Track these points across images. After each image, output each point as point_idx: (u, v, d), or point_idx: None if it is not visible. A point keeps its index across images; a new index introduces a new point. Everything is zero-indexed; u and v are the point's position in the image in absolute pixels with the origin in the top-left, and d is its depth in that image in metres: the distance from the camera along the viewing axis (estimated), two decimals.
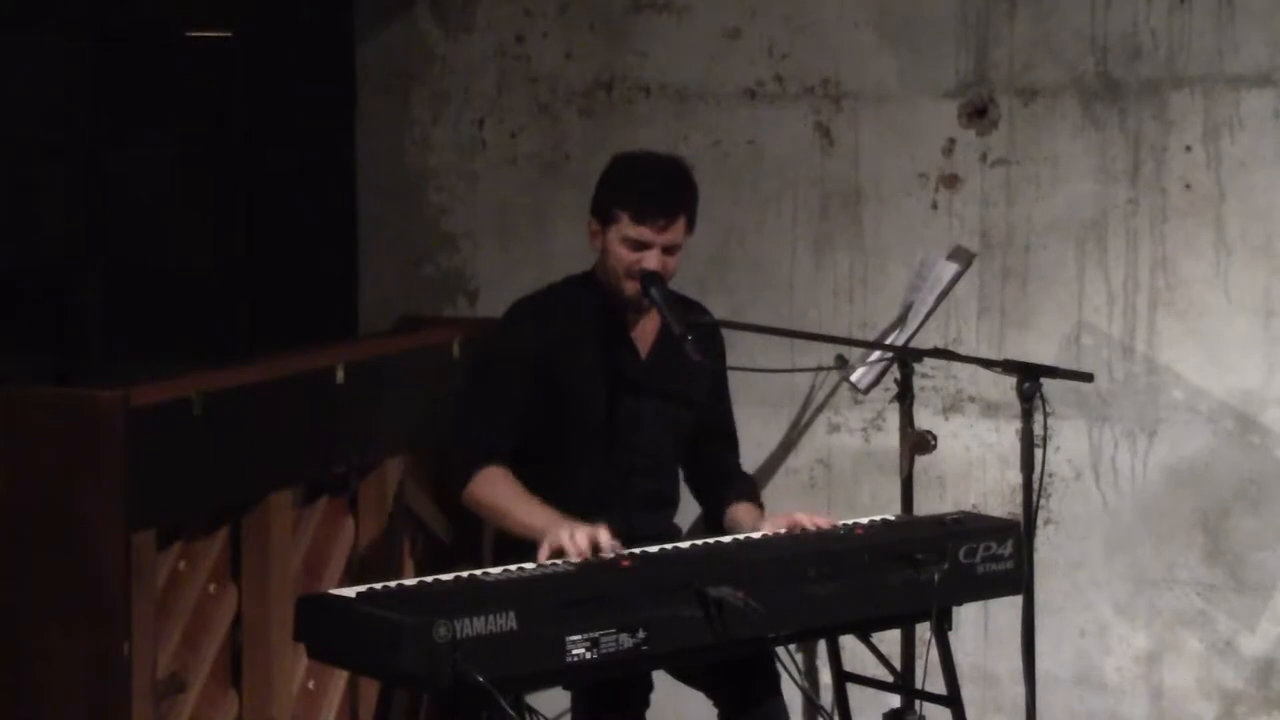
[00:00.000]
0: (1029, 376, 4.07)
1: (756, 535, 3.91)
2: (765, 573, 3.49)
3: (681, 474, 4.30)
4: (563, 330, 4.07)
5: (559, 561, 3.55)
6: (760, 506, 4.17)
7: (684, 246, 4.04)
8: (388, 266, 5.35)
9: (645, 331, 4.13)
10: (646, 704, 3.97)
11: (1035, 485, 4.05)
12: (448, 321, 5.12)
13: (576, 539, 3.62)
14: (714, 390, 4.28)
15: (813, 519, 3.89)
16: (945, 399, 4.85)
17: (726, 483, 4.23)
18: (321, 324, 5.46)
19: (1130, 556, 4.73)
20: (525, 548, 3.77)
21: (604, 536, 3.65)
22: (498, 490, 3.95)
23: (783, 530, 3.89)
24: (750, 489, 4.25)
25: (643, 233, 3.97)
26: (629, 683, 3.85)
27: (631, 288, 4.00)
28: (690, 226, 4.05)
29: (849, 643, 4.22)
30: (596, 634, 3.24)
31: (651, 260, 3.97)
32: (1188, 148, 4.63)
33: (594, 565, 3.51)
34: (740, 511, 4.12)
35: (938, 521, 3.90)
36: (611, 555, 3.61)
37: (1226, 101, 4.58)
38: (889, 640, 4.22)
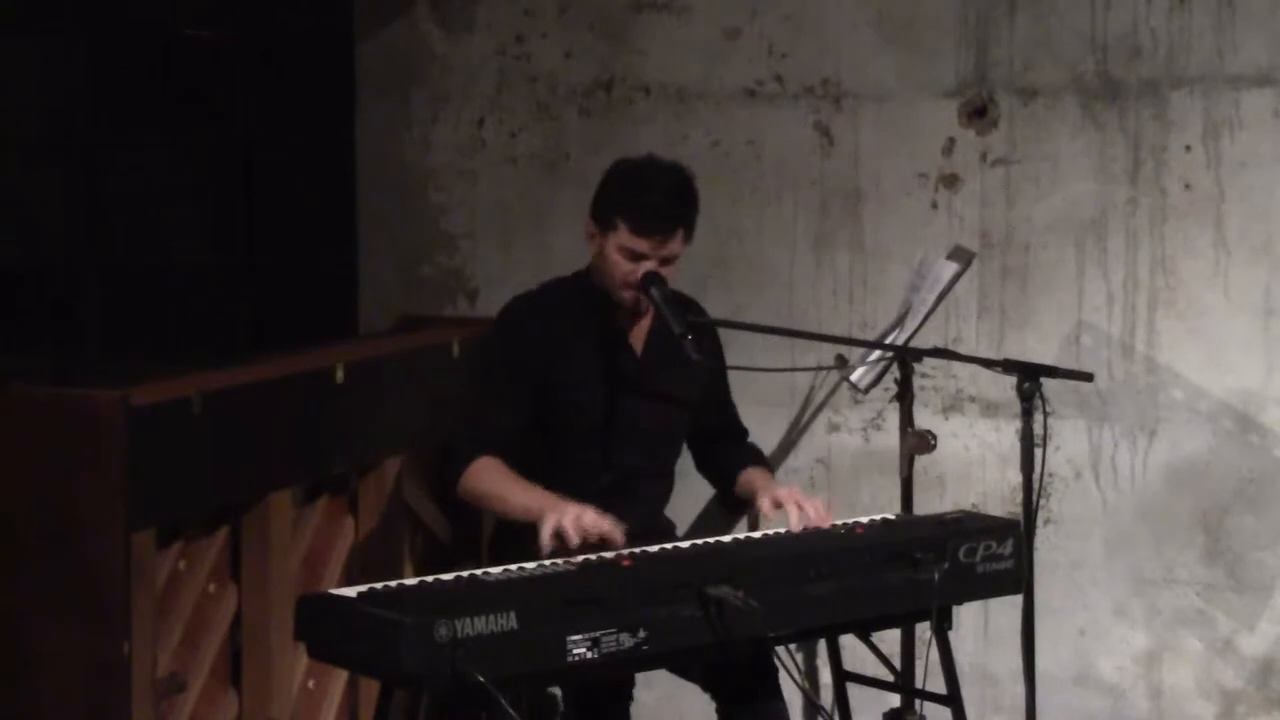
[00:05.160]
0: (1029, 376, 4.07)
1: (756, 535, 3.92)
2: (765, 573, 3.50)
3: (696, 467, 4.40)
4: (558, 329, 4.09)
5: (559, 561, 3.55)
6: (770, 471, 4.30)
7: (681, 254, 4.08)
8: (388, 266, 5.35)
9: (640, 330, 4.16)
10: (630, 698, 4.07)
11: (1035, 485, 4.05)
12: (448, 321, 5.12)
13: (582, 520, 3.70)
14: (716, 389, 4.31)
15: (811, 502, 3.95)
16: (945, 399, 4.85)
17: (739, 467, 4.30)
18: (321, 324, 5.46)
19: (1130, 556, 4.73)
20: (524, 544, 3.79)
21: (605, 522, 3.73)
22: (493, 478, 3.97)
23: (778, 505, 3.99)
24: (760, 458, 4.36)
25: (639, 244, 3.99)
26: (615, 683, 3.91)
27: (629, 297, 4.03)
28: (689, 236, 4.08)
29: (849, 642, 4.22)
30: (597, 634, 3.25)
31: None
32: (1187, 148, 4.63)
33: (594, 565, 3.52)
34: (751, 474, 4.23)
35: (938, 521, 3.90)
36: (611, 534, 3.71)
37: (1226, 101, 4.58)
38: (889, 640, 4.23)
